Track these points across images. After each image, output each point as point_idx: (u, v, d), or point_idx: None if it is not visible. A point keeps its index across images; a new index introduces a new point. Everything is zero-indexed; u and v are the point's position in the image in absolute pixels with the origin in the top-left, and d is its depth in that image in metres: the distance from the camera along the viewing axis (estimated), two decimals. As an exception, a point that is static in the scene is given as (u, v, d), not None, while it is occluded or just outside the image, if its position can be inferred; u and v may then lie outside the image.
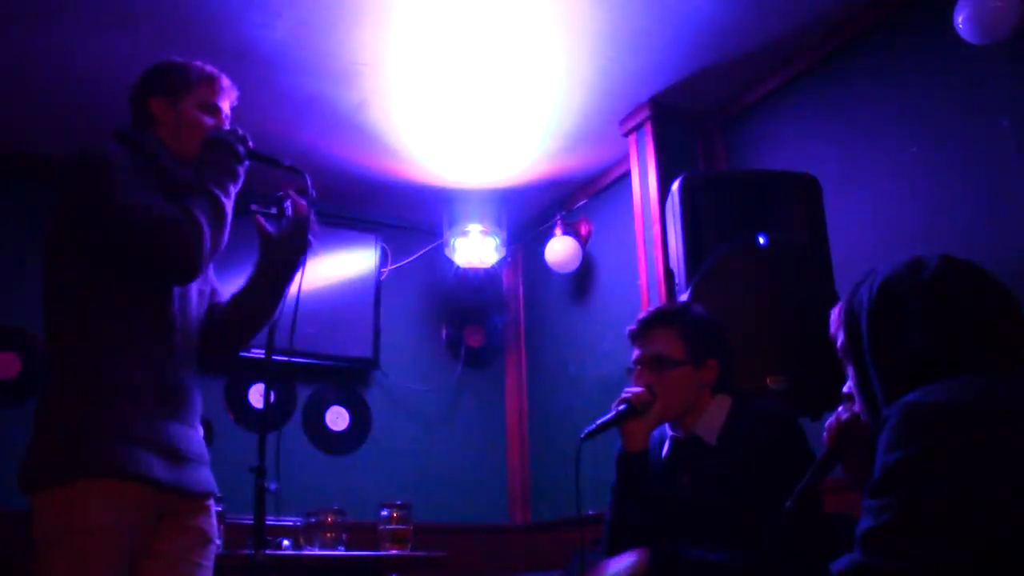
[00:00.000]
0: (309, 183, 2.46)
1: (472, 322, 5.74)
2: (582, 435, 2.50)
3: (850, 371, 1.65)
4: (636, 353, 2.58)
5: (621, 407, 2.50)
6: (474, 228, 5.31)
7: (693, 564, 2.27)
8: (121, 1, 3.53)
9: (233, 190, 2.30)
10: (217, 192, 2.23)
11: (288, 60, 3.95)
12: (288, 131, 4.46)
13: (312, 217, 2.44)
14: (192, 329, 2.32)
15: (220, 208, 2.22)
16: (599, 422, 2.51)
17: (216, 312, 2.43)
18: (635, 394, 2.50)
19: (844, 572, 1.37)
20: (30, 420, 2.10)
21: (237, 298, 2.45)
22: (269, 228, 2.45)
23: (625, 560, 2.33)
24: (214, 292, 2.46)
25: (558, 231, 5.15)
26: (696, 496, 2.45)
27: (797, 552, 2.21)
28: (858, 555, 1.36)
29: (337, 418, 5.17)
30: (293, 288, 2.47)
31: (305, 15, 3.64)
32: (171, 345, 2.23)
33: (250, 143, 2.38)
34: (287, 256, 2.41)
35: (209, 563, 2.27)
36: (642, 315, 2.61)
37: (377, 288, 5.34)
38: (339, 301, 5.13)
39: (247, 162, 2.37)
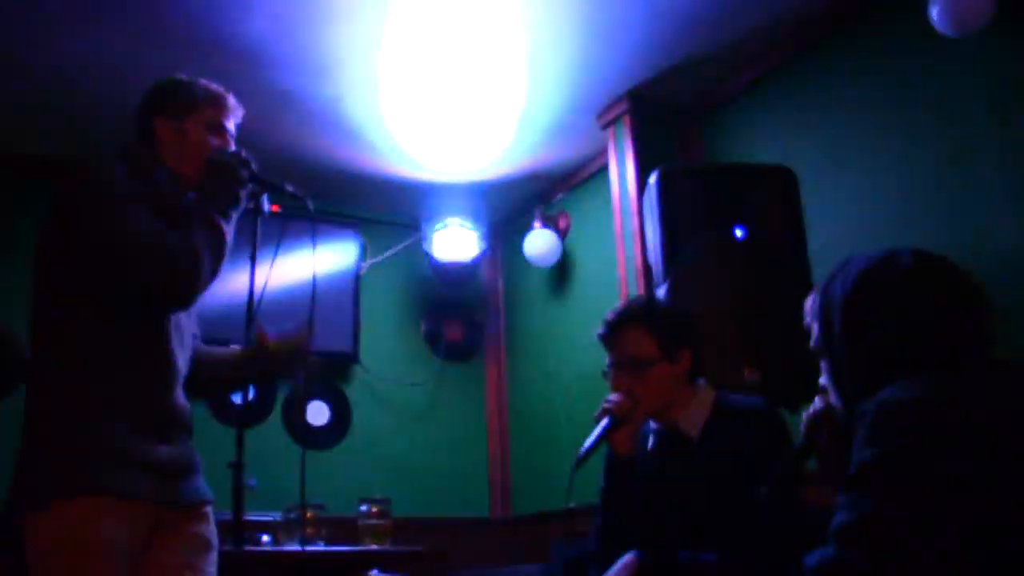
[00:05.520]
0: (310, 205, 2.47)
1: (452, 316, 5.73)
2: (575, 463, 2.41)
3: (824, 363, 1.66)
4: (610, 356, 2.56)
5: (605, 421, 2.45)
6: (453, 222, 5.31)
7: (682, 566, 2.27)
8: (95, -4, 3.51)
9: (234, 215, 2.27)
10: (217, 218, 2.21)
11: (264, 55, 3.93)
12: (265, 126, 4.43)
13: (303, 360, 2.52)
14: (183, 352, 2.30)
15: (219, 235, 2.19)
16: (588, 445, 2.43)
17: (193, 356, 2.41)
18: (616, 404, 2.46)
19: (818, 568, 1.37)
20: (6, 422, 2.07)
21: (206, 361, 2.47)
22: (271, 336, 2.49)
23: (616, 568, 2.33)
24: (195, 320, 2.45)
25: (537, 225, 5.15)
26: (682, 488, 2.45)
27: (776, 541, 2.22)
28: (832, 550, 1.37)
29: (317, 413, 5.16)
30: (260, 282, 2.48)
31: (280, 10, 3.62)
32: (163, 368, 2.21)
33: (254, 166, 2.36)
34: (263, 379, 2.48)
35: (212, 569, 2.26)
36: (609, 316, 2.57)
37: (356, 283, 5.33)
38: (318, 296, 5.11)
39: (250, 186, 2.34)
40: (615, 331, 2.55)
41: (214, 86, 2.41)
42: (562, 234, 5.20)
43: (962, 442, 1.34)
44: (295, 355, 2.51)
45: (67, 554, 1.98)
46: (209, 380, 2.49)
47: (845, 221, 3.59)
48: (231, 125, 2.42)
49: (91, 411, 2.06)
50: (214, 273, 2.18)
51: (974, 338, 1.52)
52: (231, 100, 2.43)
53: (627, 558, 2.32)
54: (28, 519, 2.02)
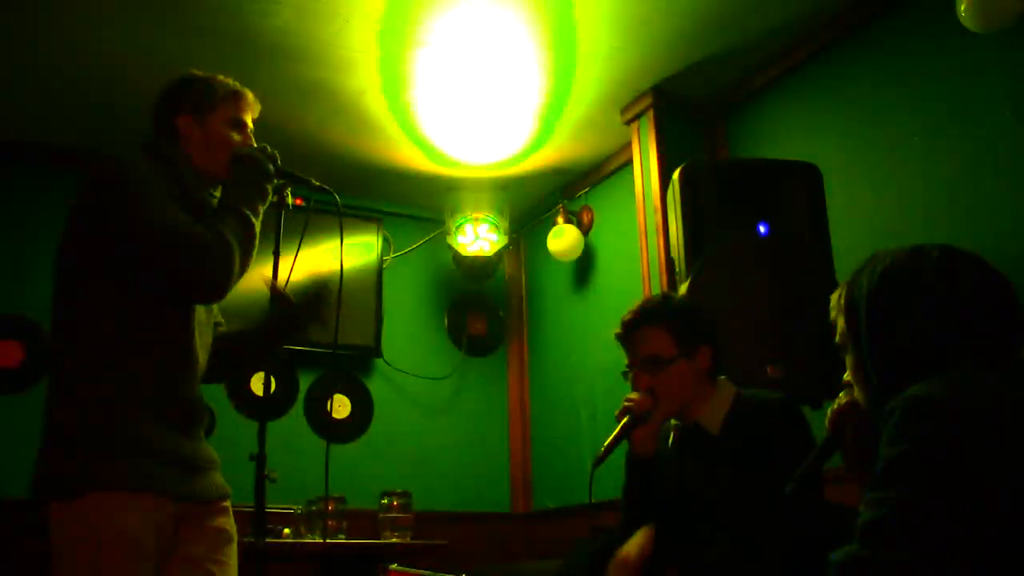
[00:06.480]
0: (337, 198, 2.49)
1: (474, 310, 5.74)
2: (594, 462, 2.42)
3: (849, 358, 1.64)
4: (628, 356, 2.56)
5: (625, 419, 2.46)
6: (476, 216, 5.31)
7: (695, 541, 2.27)
8: (123, -12, 3.53)
9: (262, 209, 2.28)
10: (246, 212, 2.21)
11: (289, 48, 3.93)
12: (289, 119, 4.45)
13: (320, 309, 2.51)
14: (204, 346, 2.31)
15: (248, 229, 2.20)
16: (608, 443, 2.43)
17: (216, 339, 2.42)
18: (636, 402, 2.47)
19: (843, 564, 1.36)
20: (32, 409, 2.08)
21: (232, 338, 2.47)
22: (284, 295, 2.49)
23: (634, 541, 2.33)
24: (216, 312, 2.46)
25: (560, 219, 5.15)
26: (701, 484, 2.45)
27: (797, 537, 2.21)
28: (857, 547, 1.35)
29: (339, 406, 5.18)
30: (283, 276, 2.50)
31: (306, 2, 3.63)
32: (186, 361, 2.22)
33: (279, 160, 2.36)
34: (286, 334, 2.50)
35: (233, 561, 2.27)
36: (625, 317, 2.57)
37: (379, 276, 5.35)
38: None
39: (275, 180, 2.35)
40: (632, 331, 2.55)
41: (232, 82, 2.41)
42: (585, 229, 5.19)
43: (988, 441, 1.32)
44: (316, 297, 2.51)
45: (91, 547, 1.99)
46: (241, 350, 2.50)
47: (869, 218, 3.56)
48: (250, 120, 2.43)
49: (115, 403, 2.07)
50: (243, 267, 2.19)
51: (1001, 336, 1.51)
52: (250, 96, 2.42)
53: (643, 532, 2.34)
54: (53, 509, 2.02)
